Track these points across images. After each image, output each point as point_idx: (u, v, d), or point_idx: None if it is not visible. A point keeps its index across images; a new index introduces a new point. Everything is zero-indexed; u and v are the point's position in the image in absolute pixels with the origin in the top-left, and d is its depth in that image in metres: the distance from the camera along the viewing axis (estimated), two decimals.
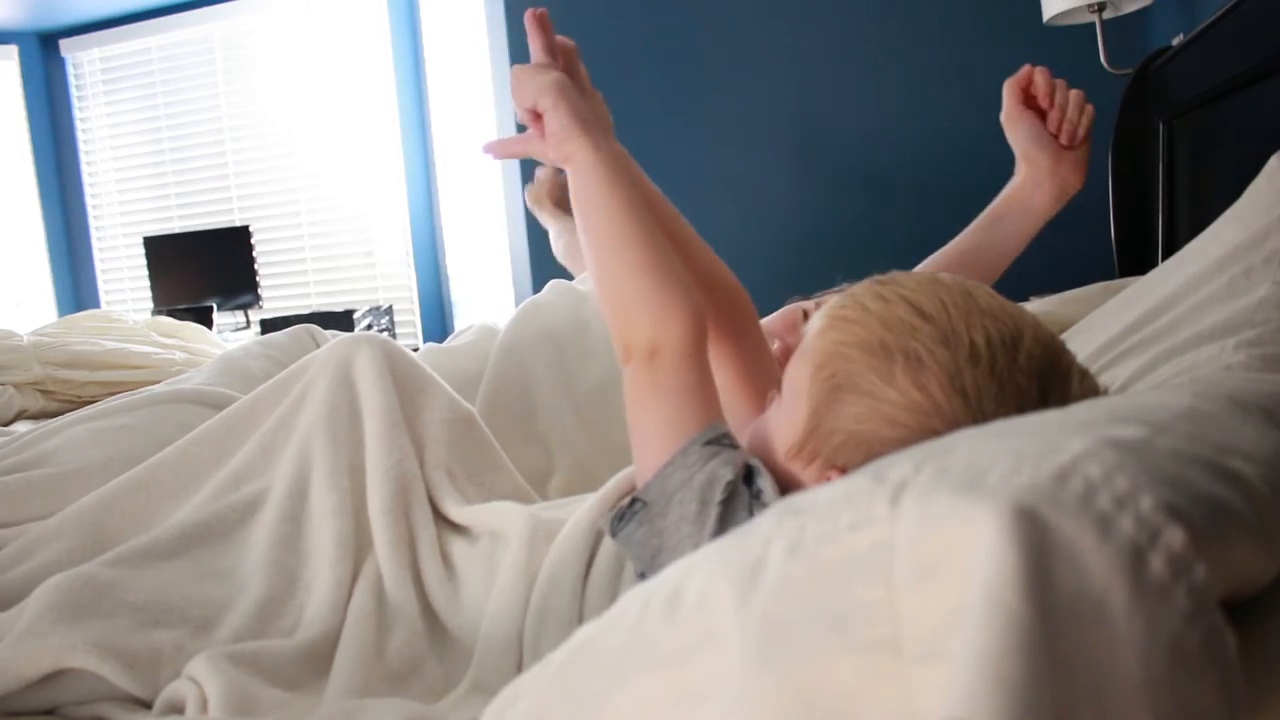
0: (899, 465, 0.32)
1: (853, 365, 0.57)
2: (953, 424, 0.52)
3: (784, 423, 0.63)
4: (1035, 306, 0.99)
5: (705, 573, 0.34)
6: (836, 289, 1.22)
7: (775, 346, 1.10)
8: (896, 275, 0.61)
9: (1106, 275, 1.17)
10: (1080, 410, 0.37)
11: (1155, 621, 0.25)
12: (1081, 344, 0.80)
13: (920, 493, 0.29)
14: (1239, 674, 0.26)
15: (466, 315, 3.75)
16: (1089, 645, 0.25)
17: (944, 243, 1.38)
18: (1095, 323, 0.83)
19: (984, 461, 0.30)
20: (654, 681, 0.33)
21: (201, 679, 0.66)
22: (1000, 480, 0.28)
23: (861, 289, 0.61)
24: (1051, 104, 1.04)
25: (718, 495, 0.59)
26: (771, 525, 0.33)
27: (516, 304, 2.54)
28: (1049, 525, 0.26)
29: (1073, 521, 0.26)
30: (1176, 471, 0.29)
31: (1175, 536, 0.26)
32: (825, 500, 0.33)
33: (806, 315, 1.17)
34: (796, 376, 0.62)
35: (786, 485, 0.62)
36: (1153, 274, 0.82)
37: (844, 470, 0.57)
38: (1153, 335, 0.66)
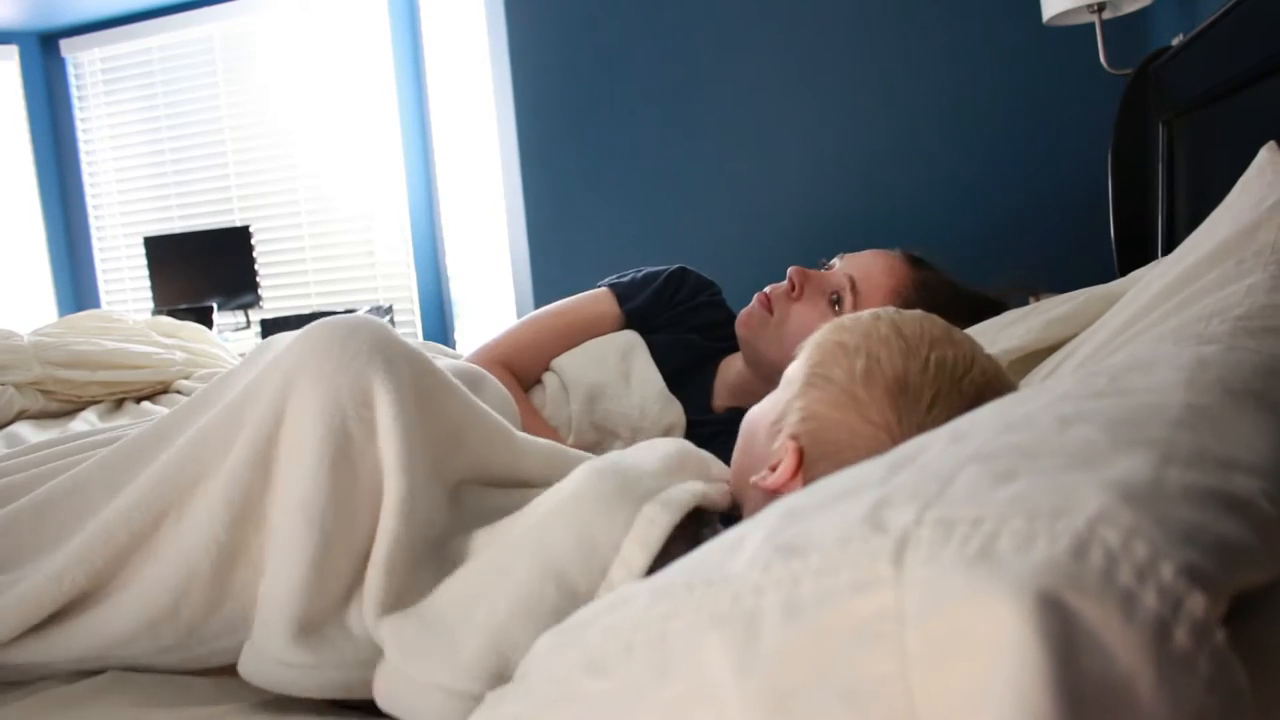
0: (897, 508, 0.31)
1: (826, 357, 0.67)
2: (885, 424, 0.63)
3: (770, 401, 0.73)
4: (1020, 334, 0.98)
5: (692, 622, 0.33)
6: (826, 265, 1.26)
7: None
8: (898, 310, 0.71)
9: (1106, 275, 1.16)
10: (1076, 421, 0.36)
11: (1180, 697, 0.25)
12: (1087, 345, 0.80)
13: (926, 555, 0.28)
14: None
15: (466, 315, 3.75)
16: None
17: (943, 238, 1.39)
18: (1103, 324, 0.84)
19: (991, 518, 0.29)
20: None
21: None
22: (1014, 551, 0.27)
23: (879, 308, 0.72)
24: None
25: None
26: (759, 572, 0.32)
27: (517, 304, 2.54)
28: (1072, 612, 0.25)
29: (1096, 604, 0.25)
30: (1190, 518, 0.28)
31: (1197, 604, 0.25)
32: (818, 543, 0.31)
33: (792, 284, 1.22)
34: (794, 368, 0.71)
35: (760, 460, 0.69)
36: (1153, 272, 0.82)
37: (796, 439, 0.65)
38: (1148, 328, 0.66)
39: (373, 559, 0.66)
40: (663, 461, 0.71)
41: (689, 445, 0.77)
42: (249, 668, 0.67)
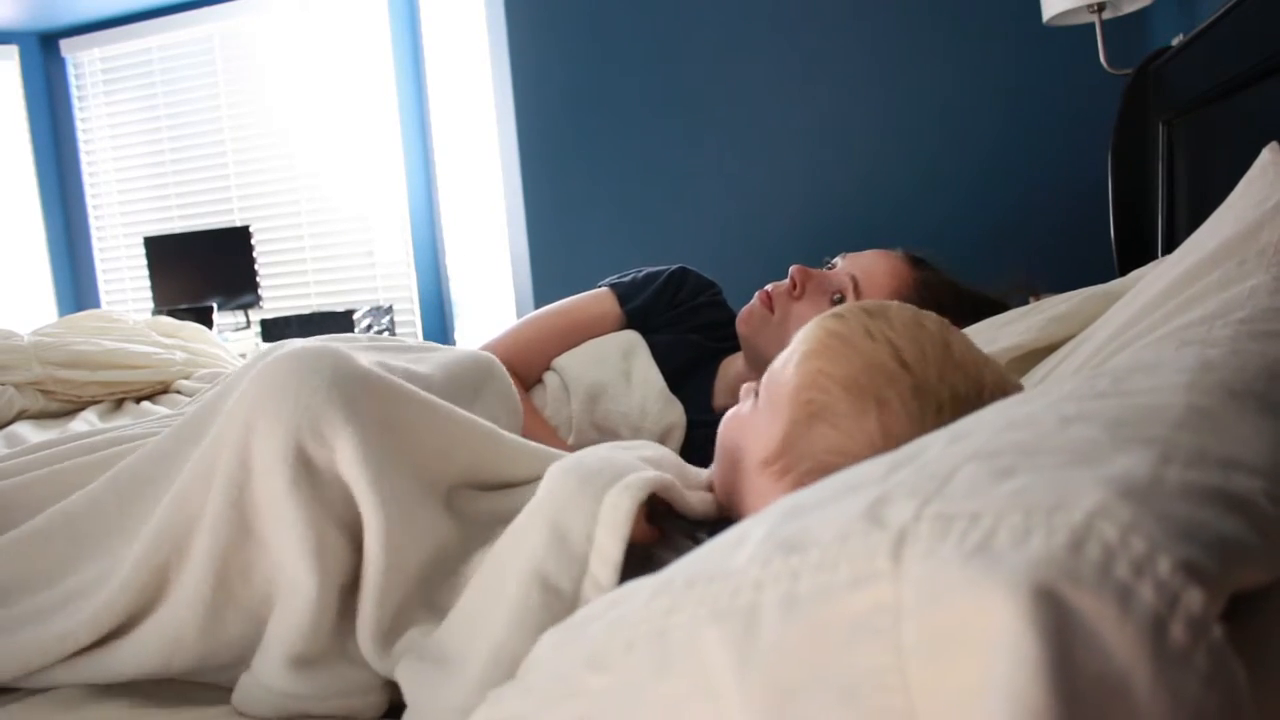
0: (896, 504, 0.31)
1: (830, 399, 0.60)
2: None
3: (761, 431, 0.65)
4: (1018, 332, 0.97)
5: (692, 617, 0.33)
6: (829, 264, 1.25)
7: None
8: (888, 309, 0.64)
9: (1106, 275, 1.16)
10: (1077, 421, 0.36)
11: (1178, 692, 0.24)
12: (1088, 344, 0.80)
13: (924, 549, 0.28)
14: None
15: (466, 315, 3.75)
16: None
17: (943, 239, 1.38)
18: (1104, 323, 0.84)
19: (989, 513, 0.29)
20: None
21: None
22: (1011, 546, 0.27)
23: (853, 316, 0.64)
24: None
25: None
26: (759, 567, 0.32)
27: (517, 304, 2.54)
28: (1069, 606, 0.25)
29: (1093, 598, 0.25)
30: (1189, 514, 0.28)
31: (1194, 599, 0.25)
32: (818, 538, 0.32)
33: (794, 282, 1.20)
34: (779, 390, 0.64)
35: (750, 491, 0.65)
36: (1154, 272, 0.82)
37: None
38: (1149, 329, 0.66)
39: (363, 591, 0.66)
40: (630, 451, 0.70)
41: (667, 451, 0.76)
42: (248, 701, 0.67)
